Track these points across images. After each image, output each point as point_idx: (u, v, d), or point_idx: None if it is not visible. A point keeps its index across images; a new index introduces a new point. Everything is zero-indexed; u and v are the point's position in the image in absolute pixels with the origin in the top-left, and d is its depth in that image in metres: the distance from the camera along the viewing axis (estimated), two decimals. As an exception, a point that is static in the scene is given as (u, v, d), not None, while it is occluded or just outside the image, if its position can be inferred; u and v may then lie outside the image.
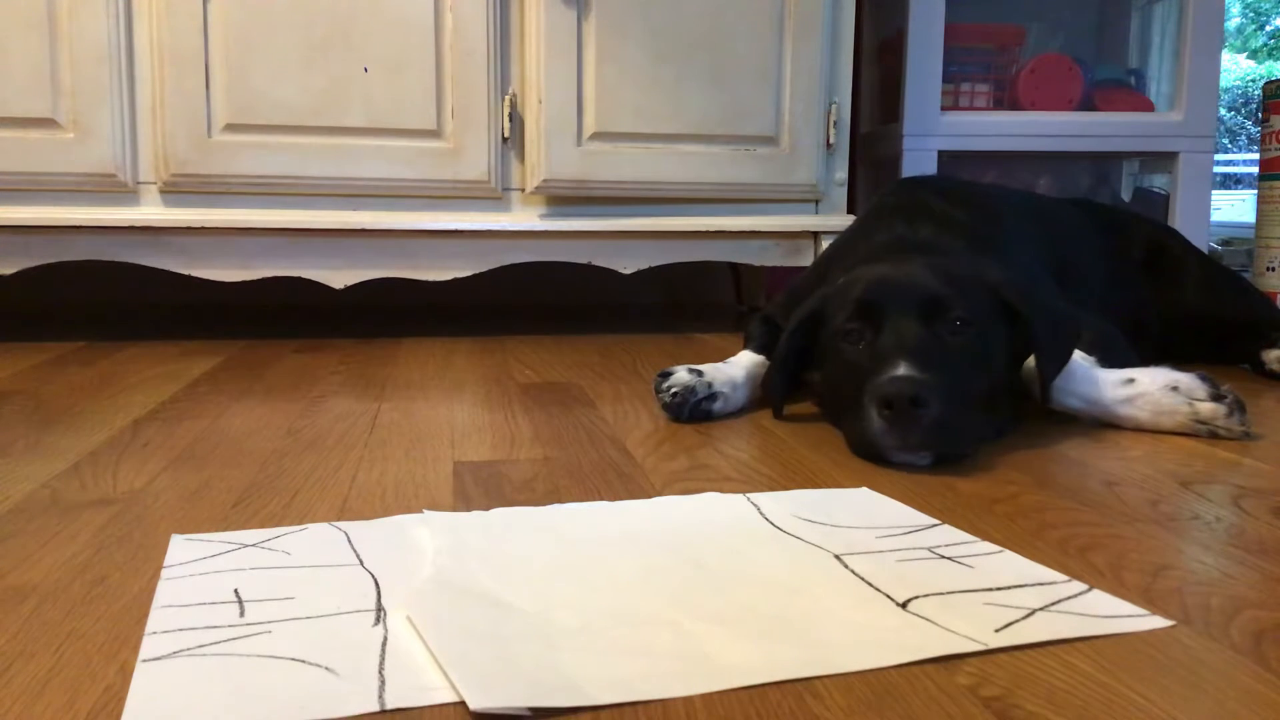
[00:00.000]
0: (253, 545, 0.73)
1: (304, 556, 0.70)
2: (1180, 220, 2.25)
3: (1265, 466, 0.98)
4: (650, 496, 0.86)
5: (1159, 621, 0.60)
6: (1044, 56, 2.31)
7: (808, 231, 1.92)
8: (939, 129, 2.20)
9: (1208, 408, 1.08)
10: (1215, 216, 2.74)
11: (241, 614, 0.60)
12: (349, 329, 1.99)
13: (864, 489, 0.89)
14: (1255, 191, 2.27)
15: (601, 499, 0.85)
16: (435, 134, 1.77)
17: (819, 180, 1.91)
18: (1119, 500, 0.86)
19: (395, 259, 1.79)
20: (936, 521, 0.79)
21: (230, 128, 1.70)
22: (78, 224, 1.67)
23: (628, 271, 1.88)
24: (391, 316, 2.19)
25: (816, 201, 1.93)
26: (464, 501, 0.84)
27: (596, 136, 1.80)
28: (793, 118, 1.87)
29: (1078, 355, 1.13)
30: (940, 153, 2.20)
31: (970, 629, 0.58)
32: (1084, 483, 0.92)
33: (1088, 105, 2.30)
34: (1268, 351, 1.46)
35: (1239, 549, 0.74)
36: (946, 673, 0.53)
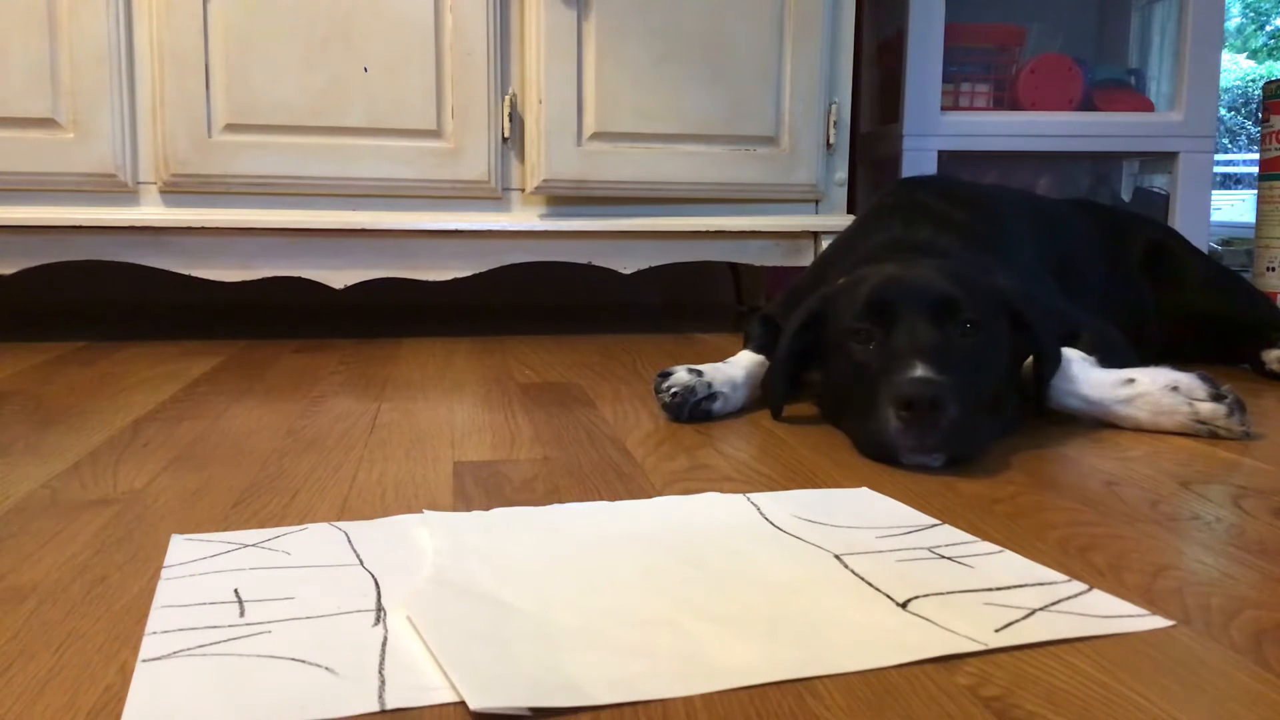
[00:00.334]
0: (253, 545, 0.73)
1: (304, 556, 0.70)
2: (1180, 220, 2.25)
3: (1265, 466, 0.98)
4: (650, 496, 0.86)
5: (1159, 621, 0.60)
6: (1044, 56, 2.31)
7: (808, 231, 1.92)
8: (939, 129, 2.20)
9: (1208, 408, 1.09)
10: (1215, 216, 2.74)
11: (241, 614, 0.60)
12: (349, 329, 1.99)
13: (864, 489, 0.89)
14: (1255, 191, 2.27)
15: (601, 499, 0.85)
16: (435, 134, 1.77)
17: (819, 180, 1.91)
18: (1119, 500, 0.86)
19: (395, 259, 1.79)
20: (936, 521, 0.79)
21: (230, 128, 1.70)
22: (78, 224, 1.67)
23: (628, 271, 1.88)
24: (391, 316, 2.19)
25: (816, 201, 1.93)
26: (464, 501, 0.84)
27: (596, 136, 1.80)
28: (793, 118, 1.87)
29: (1078, 355, 1.13)
30: (940, 153, 2.20)
31: (970, 629, 0.58)
32: (1084, 483, 0.92)
33: (1088, 105, 2.30)
34: (1268, 351, 1.46)
35: (1239, 549, 0.74)
36: (946, 673, 0.53)
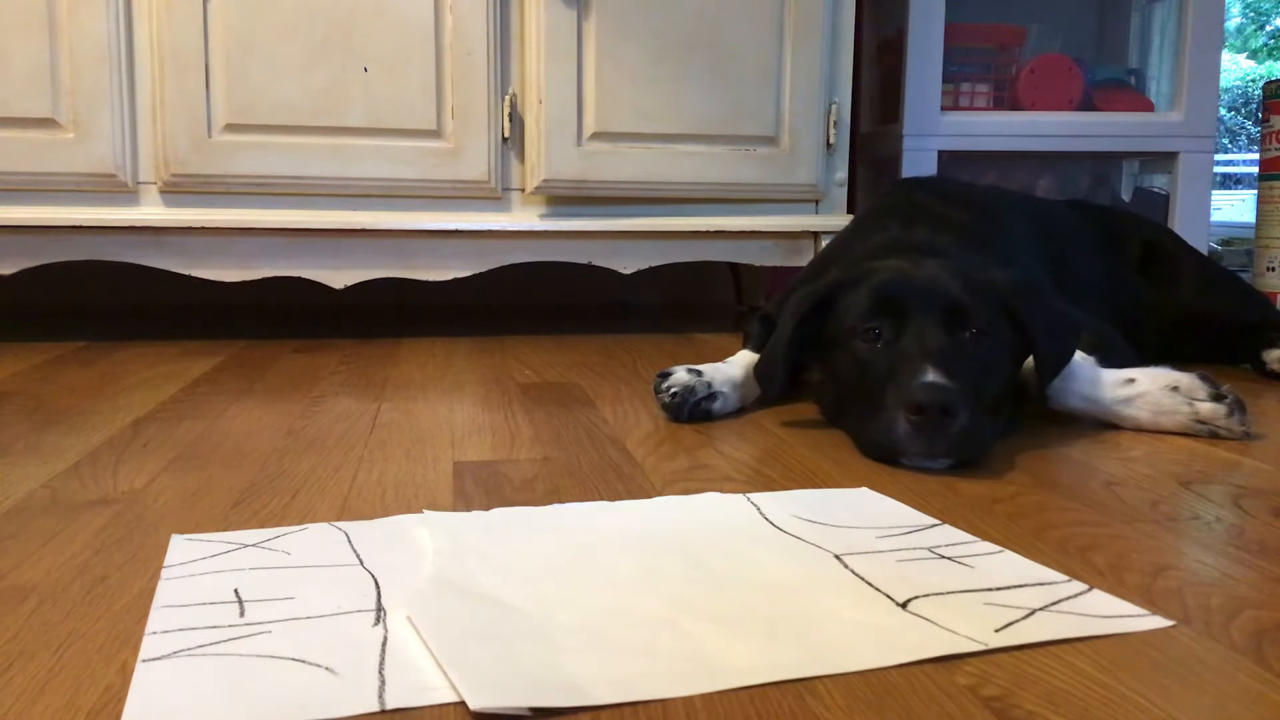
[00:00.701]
0: (253, 545, 0.73)
1: (304, 556, 0.70)
2: (1180, 220, 2.25)
3: (1265, 466, 0.98)
4: (650, 496, 0.86)
5: (1159, 621, 0.60)
6: (1044, 56, 2.31)
7: (808, 231, 1.92)
8: (939, 129, 2.20)
9: (1208, 408, 1.09)
10: (1215, 216, 2.74)
11: (241, 614, 0.60)
12: (349, 329, 1.99)
13: (864, 489, 0.89)
14: (1255, 191, 2.27)
15: (601, 499, 0.85)
16: (435, 134, 1.77)
17: (819, 180, 1.91)
18: (1119, 500, 0.86)
19: (395, 259, 1.79)
20: (936, 521, 0.79)
21: (230, 128, 1.70)
22: (78, 224, 1.67)
23: (628, 271, 1.88)
24: (391, 316, 2.19)
25: (816, 201, 1.93)
26: (464, 501, 0.84)
27: (596, 136, 1.80)
28: (793, 118, 1.87)
29: (1078, 355, 1.13)
30: (940, 153, 2.20)
31: (970, 629, 0.58)
32: (1084, 483, 0.92)
33: (1088, 105, 2.30)
34: (1268, 351, 1.46)
35: (1239, 549, 0.74)
36: (946, 673, 0.53)
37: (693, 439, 1.08)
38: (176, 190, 1.71)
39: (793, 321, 1.11)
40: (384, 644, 0.56)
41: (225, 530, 0.77)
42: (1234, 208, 6.59)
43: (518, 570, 0.68)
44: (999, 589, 0.65)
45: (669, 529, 0.77)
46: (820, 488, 0.90)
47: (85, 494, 0.86)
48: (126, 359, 1.60)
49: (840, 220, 1.87)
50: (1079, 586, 0.65)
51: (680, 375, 1.18)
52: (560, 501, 0.85)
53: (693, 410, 1.16)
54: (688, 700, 0.51)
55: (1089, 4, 2.53)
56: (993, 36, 2.33)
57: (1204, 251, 1.98)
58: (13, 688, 0.52)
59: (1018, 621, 0.59)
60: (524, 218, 1.82)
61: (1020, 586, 0.65)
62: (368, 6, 1.72)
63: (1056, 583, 0.66)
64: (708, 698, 0.51)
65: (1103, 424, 1.13)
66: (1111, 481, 0.92)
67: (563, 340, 1.85)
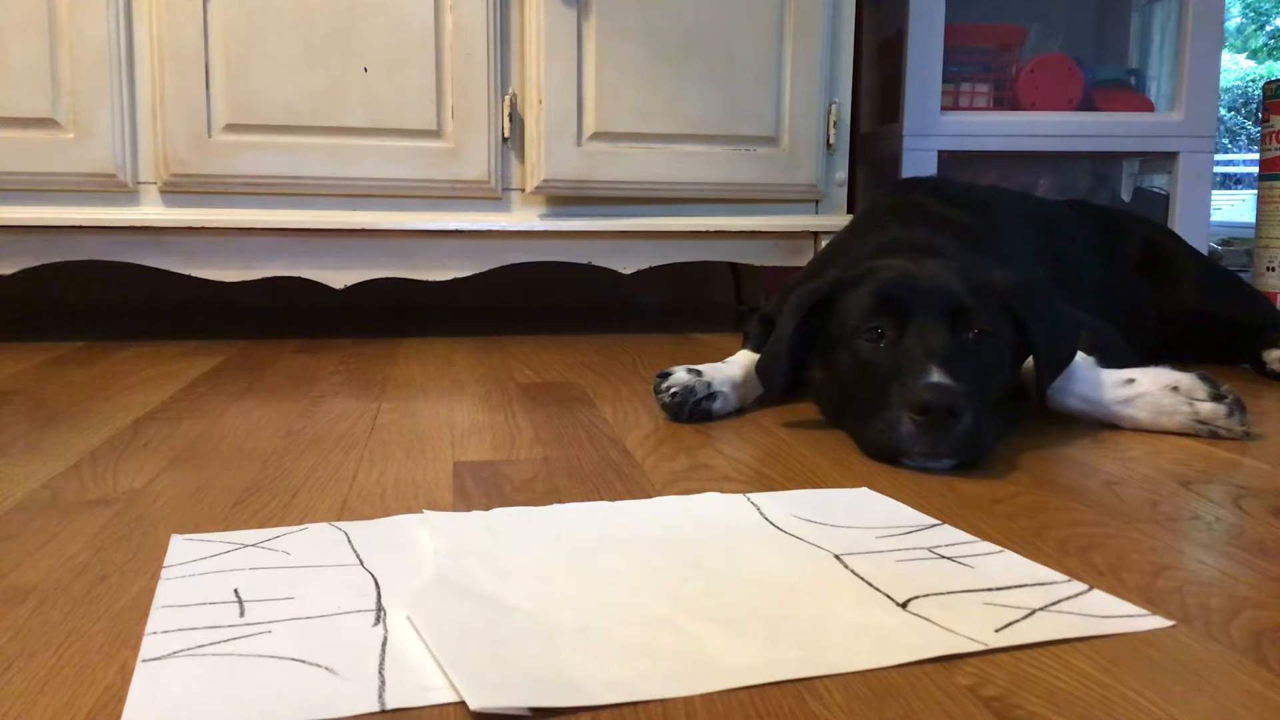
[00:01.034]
0: (253, 545, 0.73)
1: (304, 556, 0.70)
2: (1180, 220, 2.25)
3: (1265, 466, 0.98)
4: (650, 496, 0.86)
5: (1159, 621, 0.60)
6: (1044, 56, 2.31)
7: (808, 231, 1.92)
8: (939, 129, 2.20)
9: (1208, 408, 1.09)
10: (1215, 216, 2.74)
11: (241, 614, 0.60)
12: (349, 329, 1.99)
13: (864, 489, 0.89)
14: (1255, 191, 2.27)
15: (601, 499, 0.85)
16: (435, 134, 1.77)
17: (819, 180, 1.91)
18: (1119, 500, 0.86)
19: (395, 259, 1.79)
20: (936, 521, 0.79)
21: (230, 128, 1.70)
22: (78, 224, 1.67)
23: (628, 271, 1.88)
24: (391, 316, 2.19)
25: (816, 201, 1.93)
26: (464, 501, 0.84)
27: (596, 136, 1.80)
28: (793, 118, 1.87)
29: (1077, 356, 1.13)
30: (940, 153, 2.20)
31: (970, 629, 0.58)
32: (1084, 483, 0.92)
33: (1088, 105, 2.30)
34: (1268, 351, 1.46)
35: (1239, 549, 0.74)
36: (946, 673, 0.53)
37: (693, 439, 1.08)
38: (176, 190, 1.71)
39: (795, 318, 1.11)
40: (384, 644, 0.56)
41: (225, 530, 0.77)
42: (1234, 208, 6.59)
43: (518, 570, 0.68)
44: (999, 589, 0.65)
45: (669, 529, 0.77)
46: (820, 488, 0.90)
47: (85, 494, 0.86)
48: (126, 359, 1.60)
49: (840, 220, 1.87)
50: (1079, 586, 0.65)
51: (680, 375, 1.18)
52: (560, 501, 0.85)
53: (692, 410, 1.16)
54: (688, 700, 0.51)
55: (1089, 4, 2.53)
56: (993, 36, 2.33)
57: (1204, 252, 1.98)
58: (13, 688, 0.52)
59: (1018, 621, 0.59)
60: (524, 218, 1.82)
61: (1020, 586, 0.65)
62: (368, 6, 1.72)
63: (1056, 583, 0.66)
64: (708, 698, 0.51)
65: (1103, 424, 1.13)
66: (1111, 481, 0.92)
67: (563, 340, 1.85)
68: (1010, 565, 0.69)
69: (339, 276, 1.78)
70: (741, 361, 1.25)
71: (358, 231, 1.77)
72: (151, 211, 1.71)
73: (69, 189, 1.68)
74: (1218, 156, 4.22)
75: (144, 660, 0.54)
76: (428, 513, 0.80)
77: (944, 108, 2.21)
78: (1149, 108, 2.35)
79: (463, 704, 0.50)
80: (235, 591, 0.64)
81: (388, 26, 1.73)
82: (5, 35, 1.62)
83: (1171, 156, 2.28)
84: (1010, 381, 1.09)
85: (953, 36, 2.20)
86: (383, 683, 0.52)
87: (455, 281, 1.86)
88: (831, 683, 0.52)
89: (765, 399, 1.25)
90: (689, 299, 2.59)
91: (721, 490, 0.88)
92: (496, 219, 1.81)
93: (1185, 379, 1.11)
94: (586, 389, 1.36)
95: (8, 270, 1.69)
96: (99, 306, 2.28)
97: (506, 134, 1.79)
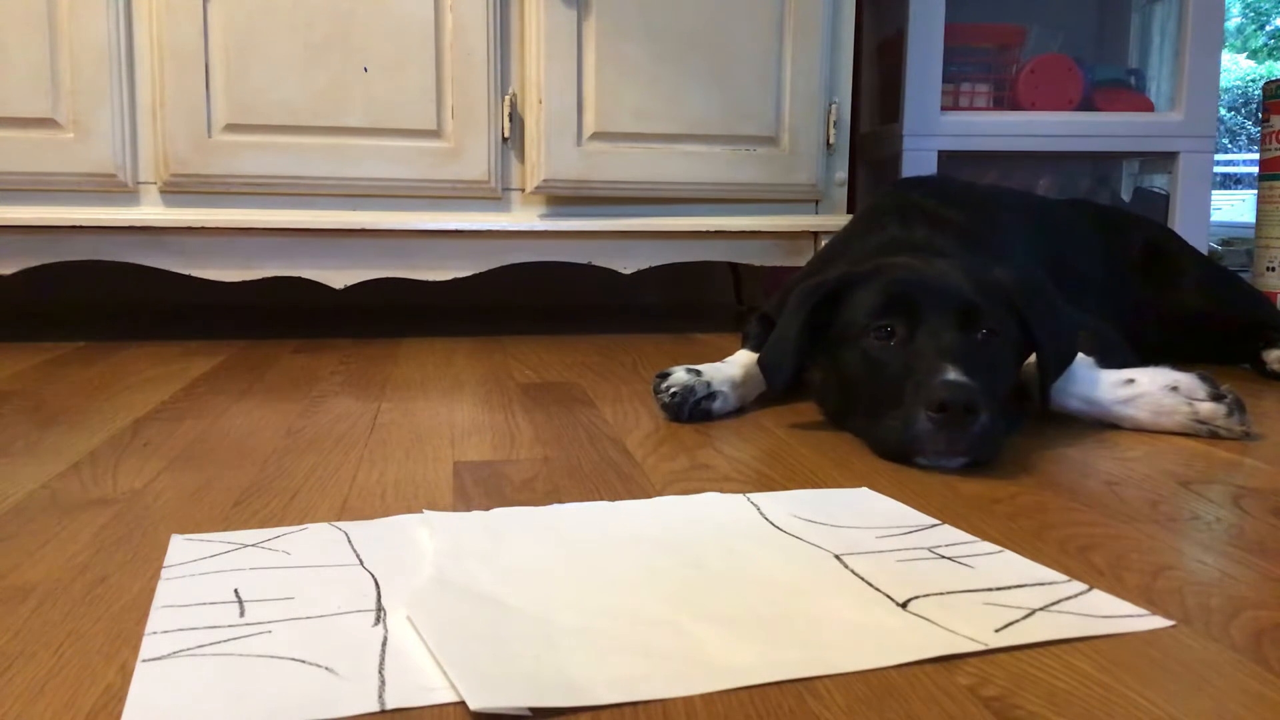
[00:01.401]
0: (253, 545, 0.73)
1: (304, 556, 0.70)
2: (1180, 220, 2.25)
3: (1265, 466, 0.98)
4: (650, 496, 0.86)
5: (1159, 621, 0.60)
6: (1044, 56, 2.31)
7: (808, 231, 1.92)
8: (939, 129, 2.20)
9: (1208, 408, 1.09)
10: (1215, 216, 2.74)
11: (241, 614, 0.60)
12: (349, 329, 1.99)
13: (864, 489, 0.89)
14: (1255, 191, 2.27)
15: (601, 499, 0.85)
16: (435, 134, 1.77)
17: (819, 180, 1.91)
18: (1119, 500, 0.86)
19: (395, 259, 1.79)
20: (936, 521, 0.79)
21: (230, 128, 1.70)
22: (78, 224, 1.67)
23: (628, 271, 1.88)
24: (391, 316, 2.19)
25: (816, 201, 1.93)
26: (464, 501, 0.84)
27: (596, 136, 1.80)
28: (793, 118, 1.87)
29: (1077, 356, 1.13)
30: (940, 153, 2.20)
31: (970, 629, 0.58)
32: (1084, 483, 0.92)
33: (1088, 105, 2.30)
34: (1268, 351, 1.46)
35: (1239, 549, 0.74)
36: (946, 673, 0.53)
37: (693, 439, 1.08)
38: (176, 190, 1.71)
39: (803, 312, 1.10)
40: (384, 644, 0.56)
41: (225, 530, 0.77)
42: (1234, 208, 6.59)
43: (518, 570, 0.68)
44: (999, 589, 0.65)
45: (669, 529, 0.77)
46: (820, 488, 0.90)
47: (85, 494, 0.86)
48: (126, 359, 1.60)
49: (840, 220, 1.87)
50: (1079, 586, 0.65)
51: (680, 375, 1.18)
52: (560, 501, 0.85)
53: (692, 410, 1.16)
54: (688, 700, 0.51)
55: (1089, 4, 2.53)
56: (993, 36, 2.33)
57: (1204, 252, 1.98)
58: (13, 688, 0.52)
59: (1018, 621, 0.59)
60: (524, 218, 1.82)
61: (1020, 586, 0.65)
62: (368, 6, 1.72)
63: (1056, 583, 0.66)
64: (708, 698, 0.51)
65: (1103, 424, 1.13)
66: (1111, 481, 0.92)
67: (563, 340, 1.85)
68: (1010, 565, 0.69)
69: (339, 276, 1.78)
70: (741, 361, 1.25)
71: (358, 231, 1.77)
72: (151, 211, 1.71)
73: (69, 189, 1.68)
74: (1218, 156, 4.22)
75: (144, 660, 0.54)
76: (428, 513, 0.80)
77: (944, 108, 2.21)
78: (1149, 108, 2.35)
79: (463, 704, 0.50)
80: (235, 591, 0.64)
81: (388, 26, 1.73)
82: (5, 35, 1.63)
83: (1171, 156, 2.28)
84: (1012, 381, 1.09)
85: (953, 36, 2.20)
86: (383, 683, 0.52)
87: (455, 281, 1.86)
88: (831, 683, 0.52)
89: (765, 399, 1.25)
90: (689, 299, 2.59)
91: (721, 490, 0.88)
92: (496, 219, 1.81)
93: (1185, 379, 1.11)
94: (586, 389, 1.36)
95: (8, 270, 1.69)
96: (99, 306, 2.28)
97: (506, 134, 1.79)
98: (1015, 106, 2.29)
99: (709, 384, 1.18)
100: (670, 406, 1.16)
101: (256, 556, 0.70)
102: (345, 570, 0.68)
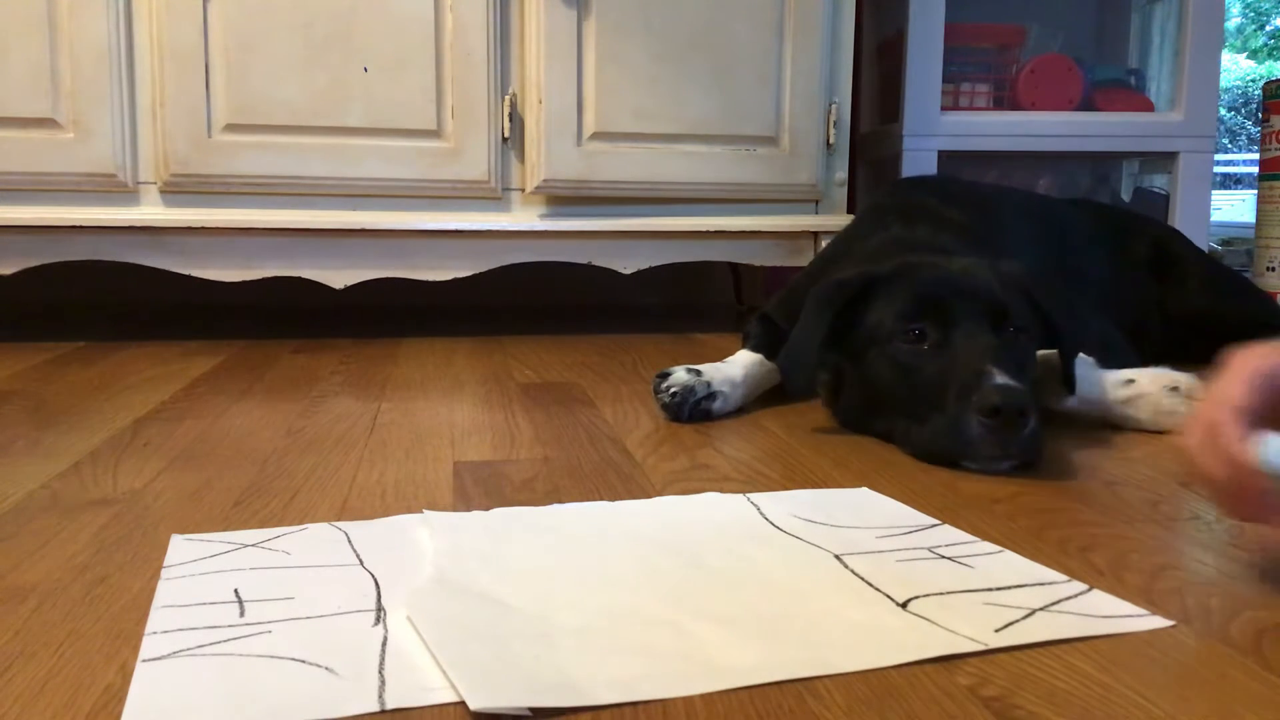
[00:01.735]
0: (253, 545, 0.73)
1: (304, 556, 0.70)
2: (1180, 220, 2.25)
3: (1265, 466, 0.98)
4: (650, 496, 0.86)
5: (1159, 621, 0.60)
6: (1044, 56, 2.31)
7: (808, 231, 1.92)
8: (939, 129, 2.20)
9: (1208, 408, 1.08)
10: (1215, 216, 2.74)
11: (241, 614, 0.60)
12: (349, 329, 1.99)
13: (864, 489, 0.89)
14: (1255, 191, 2.27)
15: (601, 499, 0.85)
16: (435, 134, 1.77)
17: (819, 180, 1.91)
18: (1119, 500, 0.86)
19: (395, 259, 1.79)
20: (936, 521, 0.79)
21: (230, 128, 1.70)
22: (78, 224, 1.67)
23: (628, 271, 1.88)
24: (391, 316, 2.19)
25: (816, 201, 1.93)
26: (464, 501, 0.84)
27: (596, 136, 1.80)
28: (793, 118, 1.87)
29: (1078, 356, 1.13)
30: (940, 153, 2.20)
31: (970, 629, 0.58)
32: (1084, 483, 0.92)
33: (1088, 105, 2.30)
34: (1268, 351, 1.46)
35: (1239, 549, 0.74)
36: (946, 673, 0.53)
37: (693, 439, 1.08)
38: (176, 190, 1.71)
39: (828, 314, 1.07)
40: (384, 644, 0.56)
41: (225, 530, 0.77)
42: (1234, 208, 6.58)
43: (518, 570, 0.68)
44: (999, 589, 0.65)
45: (669, 529, 0.77)
46: (820, 488, 0.90)
47: (85, 494, 0.86)
48: (126, 359, 1.60)
49: (840, 220, 1.87)
50: (1079, 586, 0.65)
51: (680, 375, 1.18)
52: (560, 501, 0.85)
53: (692, 410, 1.16)
54: (688, 700, 0.51)
55: (1089, 4, 2.53)
56: (993, 36, 2.33)
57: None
58: (13, 688, 0.52)
59: (1018, 621, 0.59)
60: (524, 218, 1.82)
61: (1020, 586, 0.65)
62: (368, 6, 1.72)
63: (1056, 583, 0.66)
64: (708, 698, 0.51)
65: (1103, 424, 1.13)
66: (1111, 481, 0.92)
67: (563, 340, 1.85)
68: (1010, 565, 0.69)
69: (339, 276, 1.78)
70: (742, 361, 1.25)
71: (358, 231, 1.77)
72: (151, 211, 1.71)
73: (69, 189, 1.68)
74: (1218, 156, 4.22)
75: (144, 660, 0.54)
76: (428, 513, 0.80)
77: (944, 108, 2.21)
78: (1149, 108, 2.35)
79: (463, 704, 0.50)
80: (235, 591, 0.64)
81: (388, 26, 1.73)
82: (5, 35, 1.62)
83: (1172, 156, 2.28)
84: (1034, 374, 1.09)
85: (953, 36, 2.20)
86: (383, 683, 0.52)
87: (455, 281, 1.86)
88: (831, 683, 0.52)
89: (765, 399, 1.25)
90: (689, 299, 2.59)
91: (721, 490, 0.88)
92: (496, 219, 1.81)
93: (1185, 379, 1.11)
94: (586, 389, 1.36)
95: (8, 270, 1.69)
96: (99, 306, 2.28)
97: (506, 134, 1.79)
98: (1015, 106, 2.28)
99: (709, 384, 1.18)
100: (670, 406, 1.16)
101: (256, 556, 0.70)
102: (345, 570, 0.68)
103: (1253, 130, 12.76)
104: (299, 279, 1.77)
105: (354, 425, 1.13)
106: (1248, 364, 0.63)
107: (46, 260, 1.70)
